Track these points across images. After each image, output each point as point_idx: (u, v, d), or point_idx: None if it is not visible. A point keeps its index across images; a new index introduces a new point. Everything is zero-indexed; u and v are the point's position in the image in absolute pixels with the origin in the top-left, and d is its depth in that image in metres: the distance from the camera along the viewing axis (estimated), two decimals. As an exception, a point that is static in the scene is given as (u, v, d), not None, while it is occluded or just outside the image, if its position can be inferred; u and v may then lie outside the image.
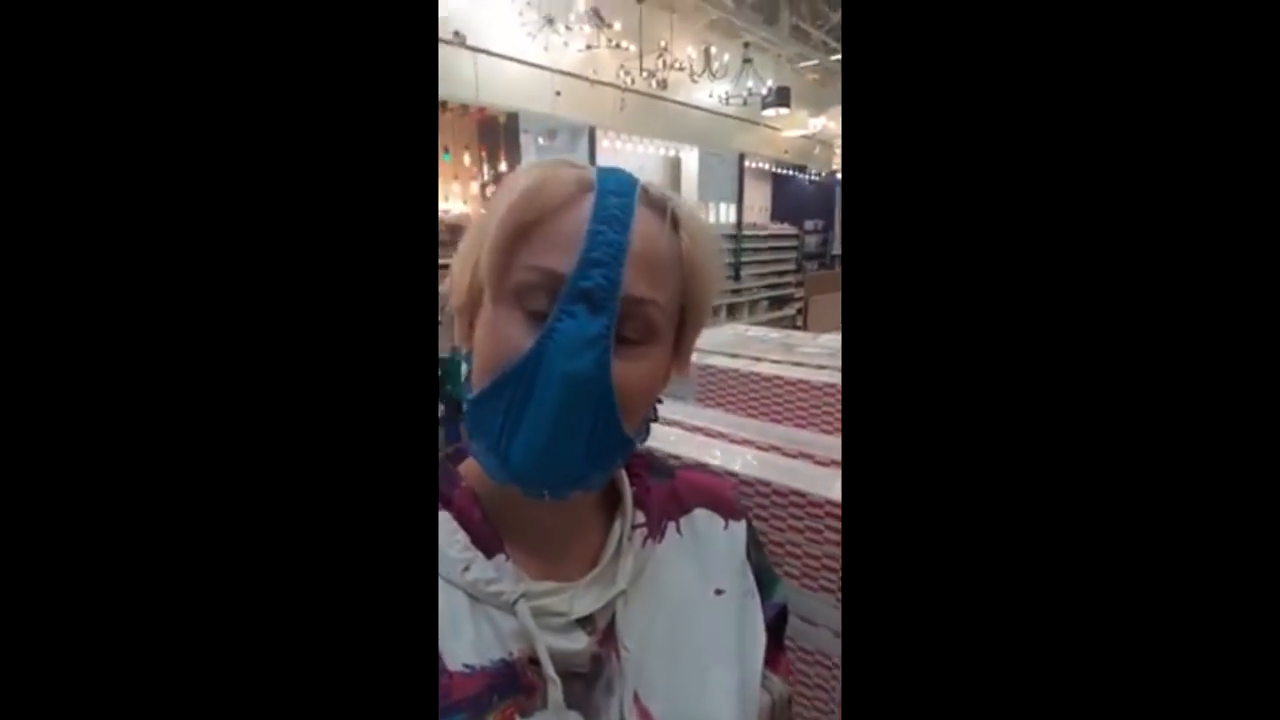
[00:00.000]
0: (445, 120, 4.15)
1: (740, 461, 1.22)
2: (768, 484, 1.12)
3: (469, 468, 0.43)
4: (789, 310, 7.03)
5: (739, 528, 0.49)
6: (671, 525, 0.46)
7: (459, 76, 4.02)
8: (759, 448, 1.28)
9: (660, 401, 0.42)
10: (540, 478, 0.36)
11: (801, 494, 1.09)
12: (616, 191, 0.36)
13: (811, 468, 1.10)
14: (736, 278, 6.82)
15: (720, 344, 2.14)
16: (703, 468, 0.54)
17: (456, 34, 4.01)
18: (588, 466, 0.37)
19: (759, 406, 1.71)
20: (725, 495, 0.50)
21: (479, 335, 0.38)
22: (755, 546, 0.50)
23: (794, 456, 1.30)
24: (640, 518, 0.44)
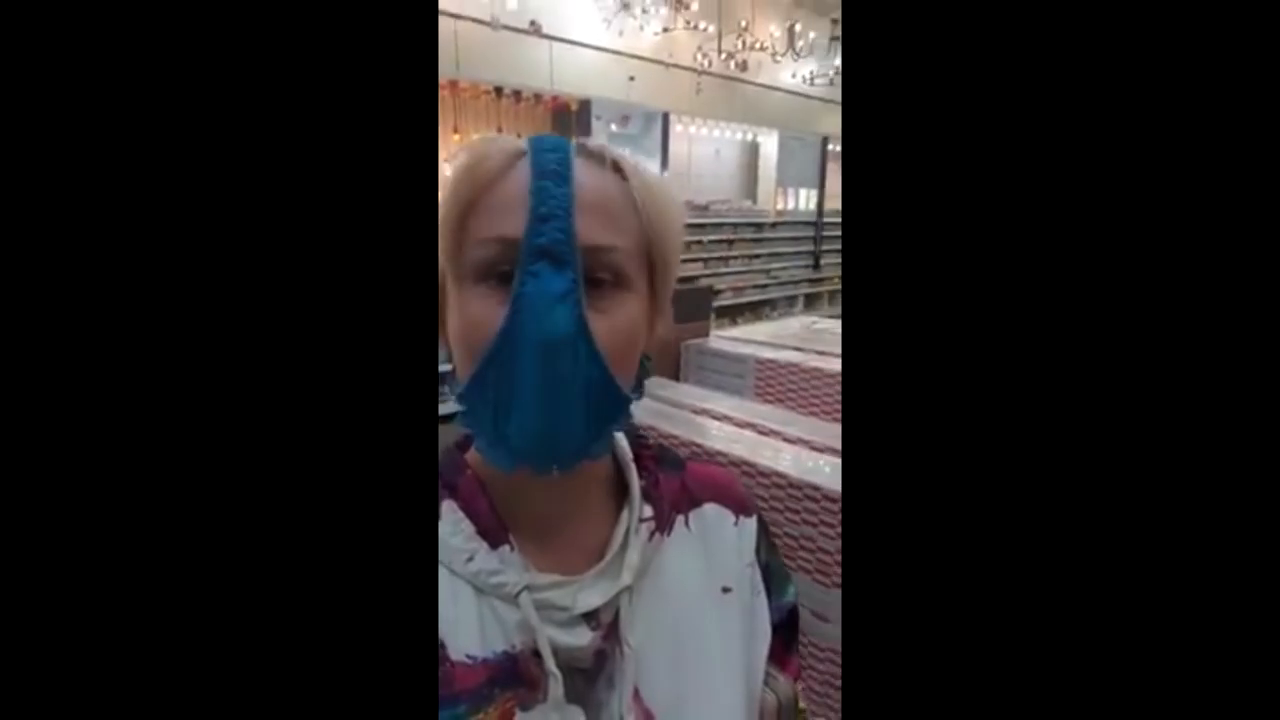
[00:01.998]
0: (521, 109, 4.22)
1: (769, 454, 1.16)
2: (783, 476, 1.05)
3: (476, 456, 0.42)
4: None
5: (750, 524, 0.47)
6: (680, 519, 0.45)
7: (533, 65, 4.07)
8: (814, 448, 1.20)
9: (649, 359, 0.41)
10: (545, 453, 0.36)
11: (815, 487, 1.02)
12: (551, 149, 0.36)
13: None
14: (816, 266, 6.57)
15: (784, 336, 2.05)
16: (714, 462, 0.51)
17: (533, 23, 4.05)
18: (589, 431, 0.36)
19: (821, 404, 1.61)
20: (736, 490, 0.49)
21: (451, 325, 0.37)
22: (767, 544, 0.48)
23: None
24: (648, 511, 0.43)
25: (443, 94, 3.77)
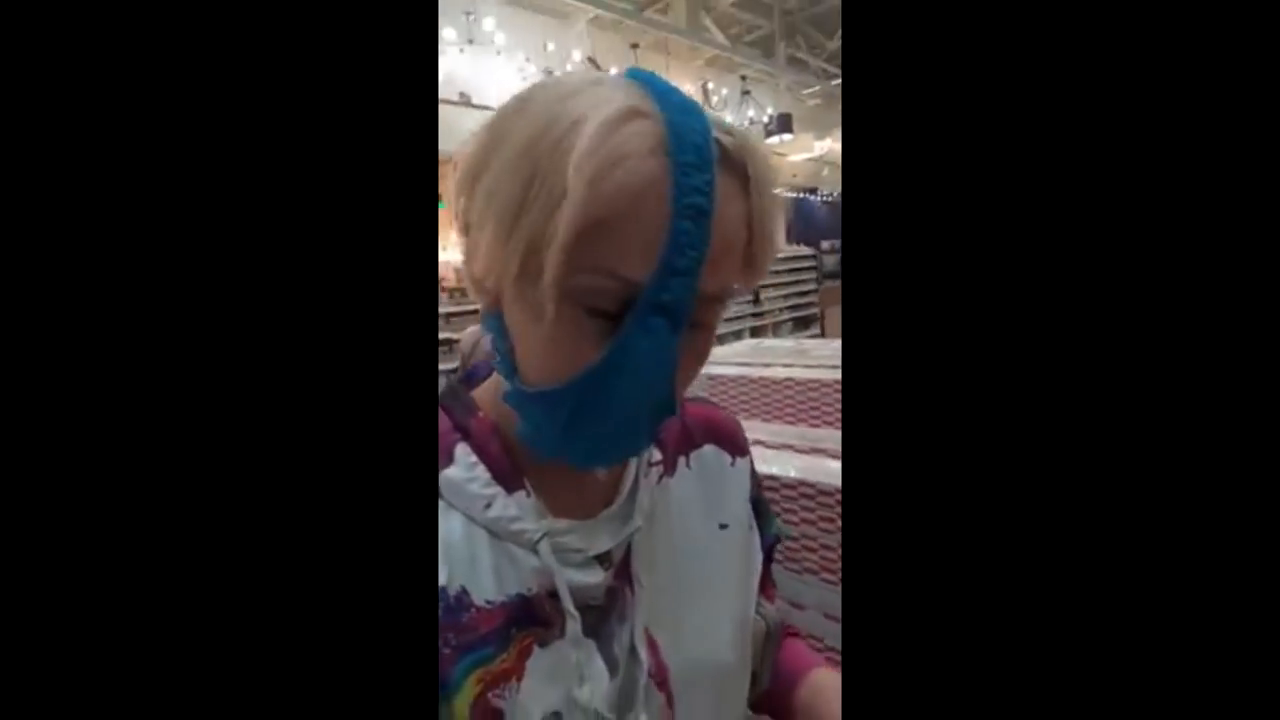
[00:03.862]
0: (445, 172, 4.30)
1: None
2: (777, 479, 1.10)
3: (486, 394, 0.41)
4: (814, 331, 6.96)
5: (744, 464, 0.49)
6: (681, 460, 0.46)
7: (462, 133, 4.19)
8: (769, 446, 1.26)
9: None
10: (596, 463, 0.37)
11: (811, 485, 1.07)
12: (697, 163, 0.29)
13: (829, 462, 1.09)
14: (757, 300, 6.81)
15: (731, 355, 2.14)
16: (709, 402, 0.53)
17: (461, 95, 4.21)
18: (644, 445, 0.38)
19: (772, 409, 1.69)
20: (733, 431, 0.50)
21: (528, 328, 0.33)
22: (755, 484, 0.50)
23: (806, 452, 1.28)
24: (656, 455, 0.44)
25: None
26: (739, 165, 0.32)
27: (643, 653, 0.39)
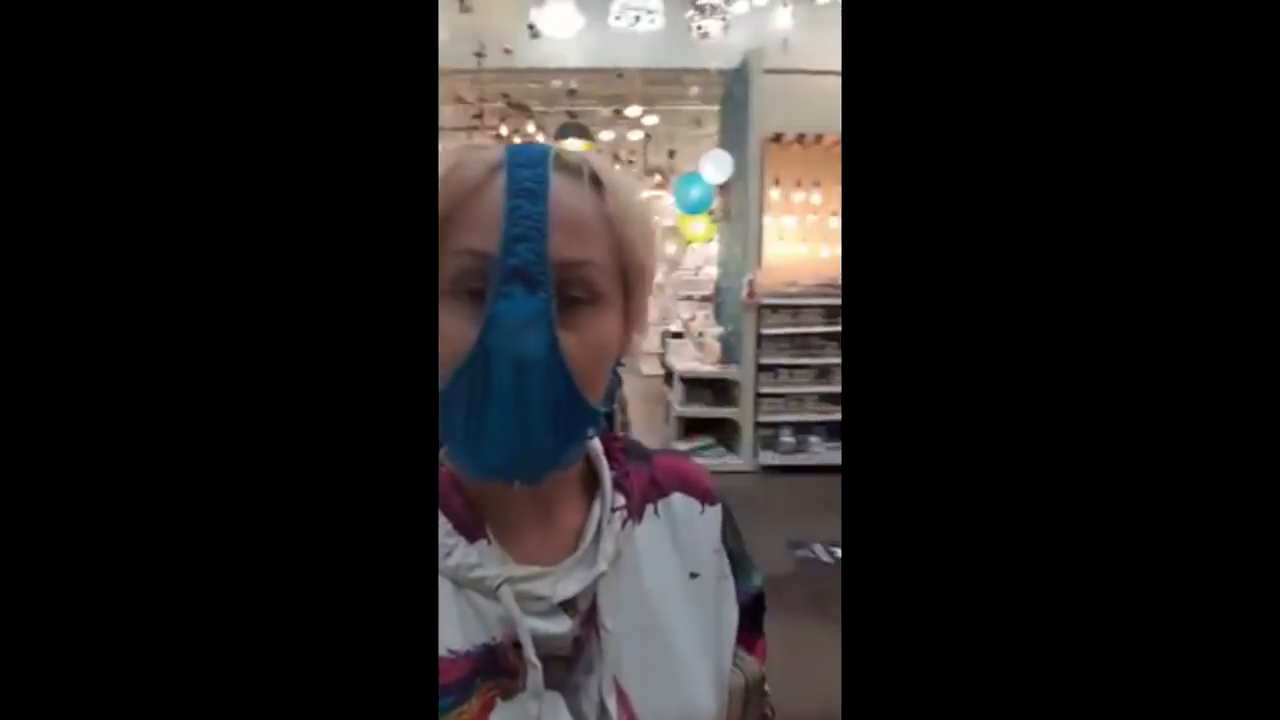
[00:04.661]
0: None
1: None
2: None
3: (447, 450, 0.42)
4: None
5: (715, 512, 0.49)
6: (650, 508, 0.47)
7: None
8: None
9: (623, 365, 0.42)
10: (514, 468, 0.36)
11: None
12: (527, 164, 0.36)
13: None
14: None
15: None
16: (679, 454, 0.53)
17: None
18: (558, 447, 0.37)
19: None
20: (702, 480, 0.50)
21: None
22: (733, 533, 0.50)
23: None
24: (620, 500, 0.44)
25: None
26: (574, 165, 0.38)
27: (611, 705, 0.39)
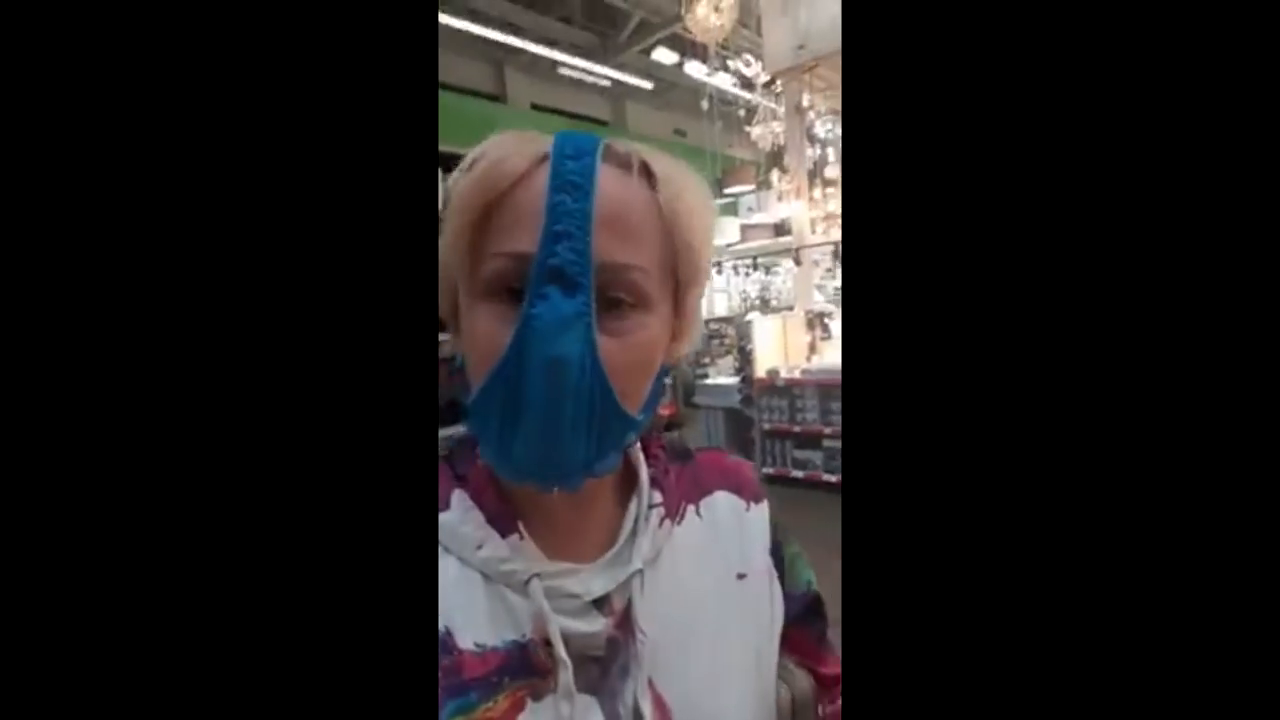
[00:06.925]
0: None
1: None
2: None
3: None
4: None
5: (761, 510, 0.47)
6: (691, 508, 0.45)
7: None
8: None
9: (669, 373, 0.40)
10: (548, 474, 0.35)
11: None
12: (573, 155, 0.34)
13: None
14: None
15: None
16: (722, 451, 0.51)
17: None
18: (594, 455, 0.35)
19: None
20: (747, 477, 0.48)
21: (464, 335, 0.36)
22: (783, 532, 0.48)
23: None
24: (657, 497, 0.42)
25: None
26: (625, 157, 0.35)
27: (647, 711, 0.37)
